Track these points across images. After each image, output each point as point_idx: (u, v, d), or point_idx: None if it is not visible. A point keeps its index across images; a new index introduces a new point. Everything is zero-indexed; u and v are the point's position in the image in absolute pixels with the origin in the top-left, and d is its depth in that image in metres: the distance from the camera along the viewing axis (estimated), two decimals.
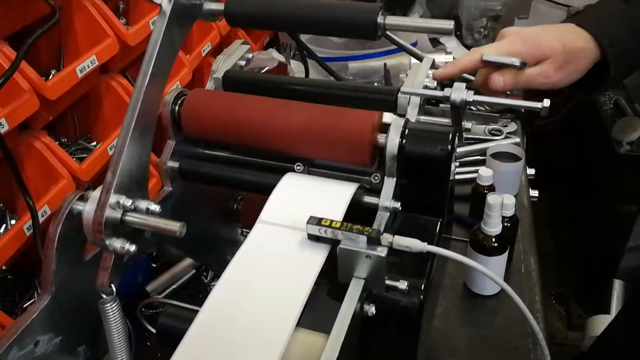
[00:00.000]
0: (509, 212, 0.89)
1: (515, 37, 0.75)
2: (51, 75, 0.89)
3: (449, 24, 0.62)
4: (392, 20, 0.63)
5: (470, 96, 0.66)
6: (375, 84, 1.40)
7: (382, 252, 0.54)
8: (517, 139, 1.21)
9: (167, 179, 0.72)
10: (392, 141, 0.62)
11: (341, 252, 0.55)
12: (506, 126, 1.26)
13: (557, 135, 2.33)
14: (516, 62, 0.71)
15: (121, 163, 0.56)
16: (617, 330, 1.17)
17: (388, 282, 0.56)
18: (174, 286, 0.99)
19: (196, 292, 0.99)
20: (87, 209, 0.56)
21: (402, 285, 0.56)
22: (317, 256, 0.57)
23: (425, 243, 0.55)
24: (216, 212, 0.84)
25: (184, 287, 1.00)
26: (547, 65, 0.73)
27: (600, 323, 1.60)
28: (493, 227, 0.84)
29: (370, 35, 0.64)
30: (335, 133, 0.64)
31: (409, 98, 0.70)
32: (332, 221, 0.56)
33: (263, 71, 1.24)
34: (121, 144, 0.57)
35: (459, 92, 0.66)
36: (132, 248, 0.57)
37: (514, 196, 0.94)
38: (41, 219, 0.80)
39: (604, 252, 1.85)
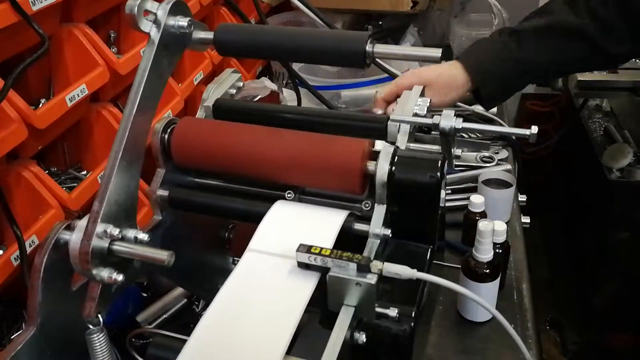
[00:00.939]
0: (501, 239, 0.89)
1: (408, 73, 1.07)
2: (41, 104, 0.89)
3: (437, 52, 0.62)
4: (380, 48, 0.64)
5: (460, 123, 0.67)
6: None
7: (372, 279, 0.54)
8: (509, 166, 1.21)
9: (156, 208, 0.71)
10: (381, 168, 0.62)
11: (331, 279, 0.55)
12: (497, 153, 1.26)
13: (549, 162, 2.35)
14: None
15: (108, 192, 0.56)
16: None
17: (378, 309, 0.56)
18: (165, 316, 0.98)
19: (187, 321, 0.98)
20: (74, 238, 0.56)
21: (393, 312, 0.56)
22: (307, 284, 0.56)
23: (415, 270, 0.54)
24: (207, 241, 0.84)
25: (175, 317, 0.98)
26: (427, 92, 0.88)
27: None
28: (484, 253, 0.84)
29: (359, 63, 0.65)
30: (325, 161, 0.64)
31: (399, 126, 0.70)
32: (322, 249, 0.56)
33: (255, 100, 1.24)
34: (109, 173, 0.57)
35: (448, 120, 0.67)
36: (120, 277, 0.57)
37: (506, 223, 0.94)
38: (29, 249, 0.79)
39: (599, 279, 1.85)
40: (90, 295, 0.57)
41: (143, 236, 0.58)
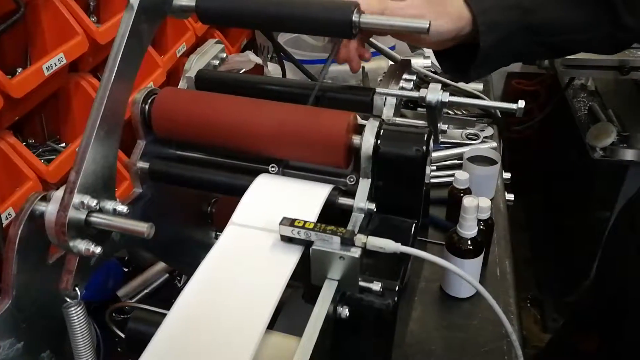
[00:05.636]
0: (485, 215, 0.89)
1: None
2: (17, 74, 0.86)
3: (425, 23, 0.61)
4: (367, 18, 0.62)
5: (446, 97, 0.66)
6: None
7: (355, 252, 0.53)
8: (494, 144, 1.21)
9: (137, 180, 0.70)
10: (367, 142, 0.61)
11: (314, 253, 0.54)
12: (483, 130, 1.26)
13: (533, 141, 2.35)
14: None
15: (85, 163, 0.54)
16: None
17: (362, 283, 0.55)
18: (146, 291, 0.97)
19: (169, 296, 0.97)
20: (50, 209, 0.54)
21: (376, 286, 0.55)
22: (290, 258, 0.55)
23: (399, 244, 0.54)
24: (189, 215, 0.82)
25: (156, 291, 0.98)
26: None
27: None
28: (469, 229, 0.84)
29: (345, 33, 0.63)
30: (309, 134, 0.63)
31: (385, 99, 0.69)
32: (305, 222, 0.55)
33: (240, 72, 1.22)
34: (85, 143, 0.55)
35: (434, 93, 0.66)
36: (98, 250, 0.55)
37: (490, 200, 0.94)
38: (5, 222, 0.77)
39: (579, 257, 1.87)
40: (67, 267, 0.56)
41: (122, 208, 0.57)
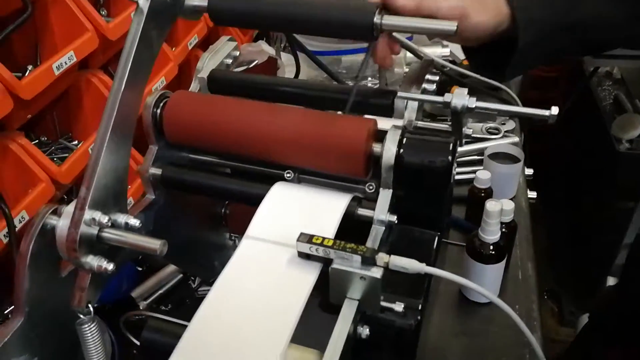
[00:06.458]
0: (508, 218, 0.85)
1: None
2: (28, 72, 0.84)
3: (452, 25, 0.57)
4: (390, 20, 0.59)
5: (472, 102, 0.63)
6: (369, 79, 1.36)
7: (377, 273, 0.50)
8: (516, 138, 1.17)
9: (149, 187, 0.68)
10: (388, 151, 0.58)
11: (334, 272, 0.52)
12: (504, 124, 1.22)
13: (556, 132, 2.29)
14: None
15: (96, 176, 0.52)
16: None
17: (384, 303, 0.53)
18: (160, 292, 0.96)
19: (183, 297, 0.96)
20: (61, 225, 0.52)
21: (399, 307, 0.53)
22: (308, 276, 0.53)
23: (424, 264, 0.51)
24: (202, 218, 0.80)
25: (170, 292, 0.96)
26: None
27: None
28: (491, 234, 0.81)
29: (366, 36, 0.60)
30: (327, 142, 0.60)
31: (407, 102, 0.66)
32: (324, 239, 0.52)
33: (252, 65, 1.19)
34: (96, 155, 0.53)
35: (460, 98, 0.62)
36: (110, 267, 0.53)
37: (512, 198, 0.90)
38: (19, 225, 0.76)
39: (600, 249, 1.83)
40: (79, 284, 0.54)
41: (134, 222, 0.55)
